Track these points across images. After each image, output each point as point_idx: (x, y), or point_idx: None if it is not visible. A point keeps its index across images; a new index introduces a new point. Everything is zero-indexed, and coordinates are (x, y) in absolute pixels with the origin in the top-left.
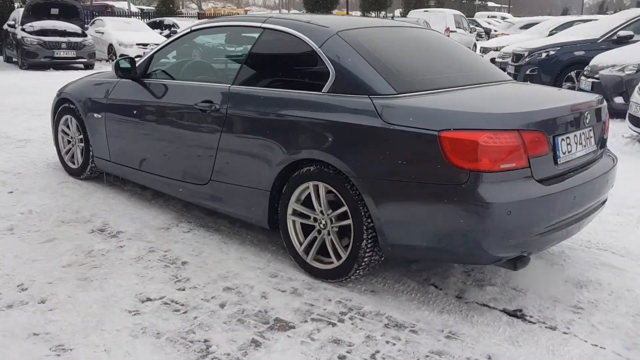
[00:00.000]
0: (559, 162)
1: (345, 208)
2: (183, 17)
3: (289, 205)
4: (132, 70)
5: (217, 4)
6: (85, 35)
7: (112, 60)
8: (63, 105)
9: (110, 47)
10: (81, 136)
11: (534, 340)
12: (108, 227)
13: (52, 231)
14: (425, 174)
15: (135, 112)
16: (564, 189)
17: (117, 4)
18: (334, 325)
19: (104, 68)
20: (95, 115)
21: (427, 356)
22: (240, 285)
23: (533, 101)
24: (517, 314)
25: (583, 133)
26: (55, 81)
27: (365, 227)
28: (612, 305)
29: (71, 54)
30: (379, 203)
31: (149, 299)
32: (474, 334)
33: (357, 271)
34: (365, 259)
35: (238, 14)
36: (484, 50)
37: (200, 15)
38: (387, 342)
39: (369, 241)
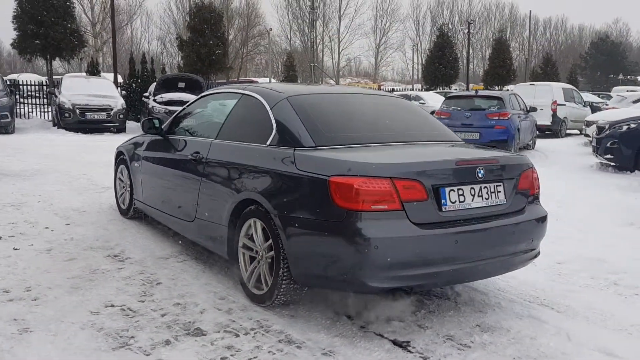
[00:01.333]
0: (444, 210)
1: (270, 241)
2: None
3: (239, 239)
4: (158, 128)
5: (354, 79)
6: None
7: None
8: (120, 157)
9: None
10: (129, 182)
11: None
12: (122, 254)
13: (76, 253)
14: (318, 212)
15: (157, 161)
16: (444, 233)
17: (260, 79)
18: (237, 336)
19: None
20: (135, 164)
21: None
22: (189, 303)
23: (426, 155)
24: (402, 344)
25: (486, 187)
26: None
27: (282, 258)
28: (501, 347)
29: None
30: (288, 237)
31: (112, 305)
32: (350, 354)
33: (278, 297)
34: (284, 287)
35: (371, 88)
36: (587, 124)
37: None
38: (270, 352)
39: (285, 270)
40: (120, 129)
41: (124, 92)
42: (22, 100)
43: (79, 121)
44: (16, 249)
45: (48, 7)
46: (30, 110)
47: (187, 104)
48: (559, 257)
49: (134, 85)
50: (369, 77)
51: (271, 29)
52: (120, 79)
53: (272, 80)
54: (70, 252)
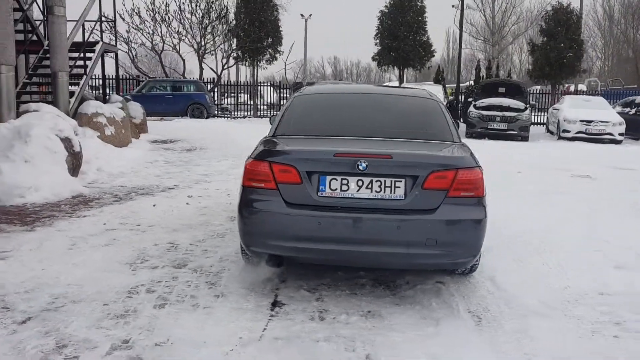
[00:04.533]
0: (320, 194)
1: None
2: None
3: None
4: None
5: None
6: (524, 111)
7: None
8: None
9: (559, 122)
10: None
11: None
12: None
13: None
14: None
15: None
16: (309, 215)
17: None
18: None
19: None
20: None
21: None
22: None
23: (327, 146)
24: (276, 304)
25: (378, 181)
26: None
27: None
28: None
29: (503, 126)
30: None
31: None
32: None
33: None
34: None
35: None
36: None
37: None
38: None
39: None
40: None
41: (450, 97)
42: None
43: None
44: None
45: (404, 22)
46: None
47: None
48: None
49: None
50: None
51: None
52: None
53: None
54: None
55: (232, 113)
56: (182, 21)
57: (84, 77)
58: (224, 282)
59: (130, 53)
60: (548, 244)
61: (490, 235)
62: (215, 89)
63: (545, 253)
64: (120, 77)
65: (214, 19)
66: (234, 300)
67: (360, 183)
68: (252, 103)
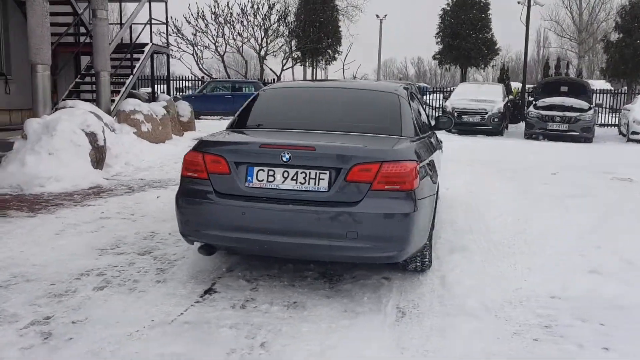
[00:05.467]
0: (247, 185)
1: None
2: None
3: None
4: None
5: None
6: (587, 111)
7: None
8: None
9: (629, 123)
10: None
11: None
12: None
13: None
14: None
15: None
16: (235, 205)
17: None
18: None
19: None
20: None
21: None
22: None
23: (257, 137)
24: (209, 292)
25: (303, 172)
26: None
27: None
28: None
29: (563, 127)
30: None
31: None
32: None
33: None
34: None
35: None
36: None
37: None
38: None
39: None
40: (495, 132)
41: (510, 96)
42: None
43: (456, 123)
44: None
45: (466, 20)
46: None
47: None
48: None
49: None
50: None
51: None
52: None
53: None
54: None
55: None
56: (244, 23)
57: (131, 76)
58: (174, 270)
59: (195, 55)
60: (533, 246)
61: (475, 237)
62: None
63: (521, 255)
64: (187, 78)
65: (276, 20)
66: (172, 286)
67: (285, 174)
68: None
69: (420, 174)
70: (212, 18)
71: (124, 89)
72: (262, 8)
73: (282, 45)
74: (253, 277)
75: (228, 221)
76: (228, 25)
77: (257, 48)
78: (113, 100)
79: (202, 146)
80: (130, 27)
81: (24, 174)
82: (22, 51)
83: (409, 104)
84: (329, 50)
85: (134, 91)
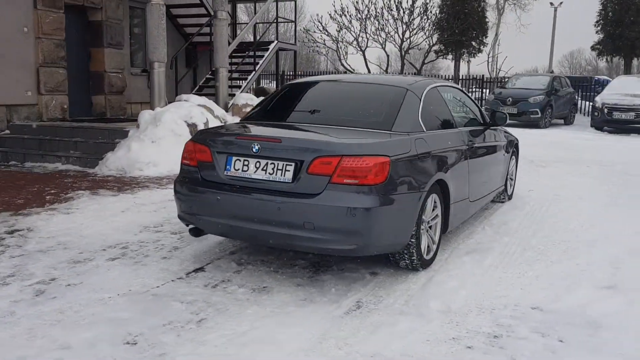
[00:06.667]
0: (226, 174)
1: None
2: None
3: None
4: None
5: None
6: None
7: None
8: None
9: None
10: None
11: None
12: None
13: None
14: None
15: None
16: (212, 191)
17: None
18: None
19: None
20: None
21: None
22: None
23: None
24: (197, 270)
25: (273, 163)
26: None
27: None
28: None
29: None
30: None
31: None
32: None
33: None
34: None
35: None
36: None
37: None
38: None
39: None
40: None
41: None
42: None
43: (605, 120)
44: None
45: (632, 6)
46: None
47: None
48: None
49: None
50: None
51: None
52: None
53: None
54: None
55: None
56: (385, 17)
57: (253, 72)
58: (186, 249)
59: (338, 51)
60: (567, 255)
61: (509, 241)
62: None
63: (543, 263)
64: (310, 74)
65: (421, 13)
66: (171, 263)
67: (258, 165)
68: None
69: (398, 168)
70: (355, 14)
71: (245, 84)
72: (406, 1)
73: (426, 38)
74: (247, 261)
75: (208, 206)
76: (371, 20)
77: (399, 42)
78: (233, 95)
79: (196, 136)
80: (255, 26)
81: (128, 159)
82: None
83: (421, 99)
84: (474, 42)
85: (264, 87)
